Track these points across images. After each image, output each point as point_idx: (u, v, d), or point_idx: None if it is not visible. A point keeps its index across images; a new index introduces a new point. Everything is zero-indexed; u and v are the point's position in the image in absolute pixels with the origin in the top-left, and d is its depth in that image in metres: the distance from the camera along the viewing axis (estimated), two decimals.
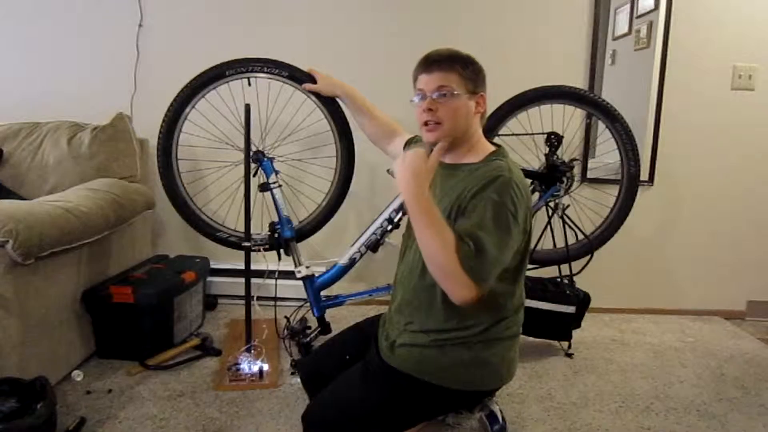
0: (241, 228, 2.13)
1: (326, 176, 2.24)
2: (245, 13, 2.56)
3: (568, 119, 2.45)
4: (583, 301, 2.22)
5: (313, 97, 2.08)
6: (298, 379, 1.96)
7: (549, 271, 2.32)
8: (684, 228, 2.76)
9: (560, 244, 2.31)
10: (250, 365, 1.99)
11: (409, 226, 1.50)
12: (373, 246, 2.03)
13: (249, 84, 2.09)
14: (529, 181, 2.26)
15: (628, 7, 2.58)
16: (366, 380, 1.39)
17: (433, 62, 1.35)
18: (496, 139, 2.23)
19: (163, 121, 2.08)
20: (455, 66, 1.33)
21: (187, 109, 2.08)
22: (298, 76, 2.06)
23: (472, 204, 1.25)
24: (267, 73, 2.06)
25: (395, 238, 2.03)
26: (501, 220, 1.22)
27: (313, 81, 2.03)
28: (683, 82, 2.61)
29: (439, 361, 1.34)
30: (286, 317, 2.25)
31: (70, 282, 1.94)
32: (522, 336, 2.20)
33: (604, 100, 2.26)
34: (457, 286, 1.18)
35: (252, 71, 2.06)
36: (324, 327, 2.11)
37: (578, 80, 2.59)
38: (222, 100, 2.16)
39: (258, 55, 2.06)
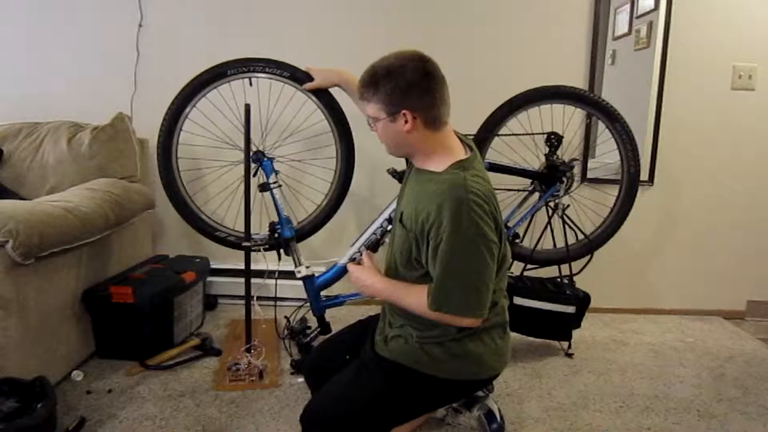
0: (231, 226, 2.13)
1: (326, 176, 2.24)
2: (245, 13, 2.56)
3: (568, 119, 2.45)
4: (583, 301, 2.22)
5: (314, 98, 2.08)
6: (298, 379, 1.96)
7: (549, 271, 2.32)
8: (684, 228, 2.75)
9: (560, 244, 2.31)
10: (250, 365, 1.99)
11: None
12: (373, 246, 2.03)
13: (251, 84, 2.08)
14: (528, 181, 2.27)
15: (628, 7, 2.58)
16: (360, 373, 1.41)
17: (358, 91, 1.37)
18: (497, 140, 2.26)
19: (164, 119, 2.07)
20: (369, 94, 1.34)
21: (189, 108, 2.08)
22: (299, 77, 2.05)
23: (435, 235, 1.24)
24: (268, 73, 2.06)
25: None
26: (466, 249, 1.23)
27: (312, 79, 2.03)
28: (683, 82, 2.61)
29: (430, 352, 1.35)
30: (286, 317, 2.25)
31: (70, 282, 1.94)
32: (522, 336, 2.25)
33: (604, 100, 2.26)
34: (456, 323, 1.30)
35: (253, 71, 2.06)
36: (324, 327, 2.12)
37: (578, 80, 2.59)
38: (223, 99, 2.16)
39: (259, 55, 2.06)
